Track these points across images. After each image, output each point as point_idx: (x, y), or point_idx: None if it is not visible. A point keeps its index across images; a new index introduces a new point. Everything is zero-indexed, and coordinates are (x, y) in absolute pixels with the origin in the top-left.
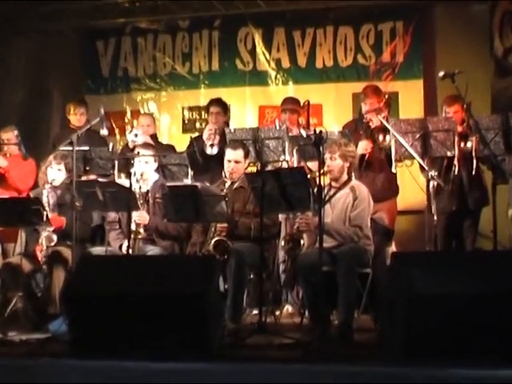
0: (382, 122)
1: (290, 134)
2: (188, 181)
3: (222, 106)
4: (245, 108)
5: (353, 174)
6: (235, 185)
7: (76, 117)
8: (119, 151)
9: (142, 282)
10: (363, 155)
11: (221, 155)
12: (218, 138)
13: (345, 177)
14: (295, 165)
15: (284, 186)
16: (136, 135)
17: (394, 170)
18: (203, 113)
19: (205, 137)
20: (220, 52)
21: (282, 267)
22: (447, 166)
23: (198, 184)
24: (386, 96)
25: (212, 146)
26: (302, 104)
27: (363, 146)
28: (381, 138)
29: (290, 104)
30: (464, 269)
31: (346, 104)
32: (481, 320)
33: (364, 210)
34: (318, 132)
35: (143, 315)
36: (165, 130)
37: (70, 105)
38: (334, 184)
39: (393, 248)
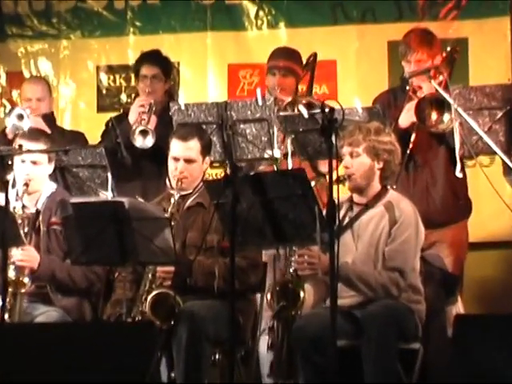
0: (437, 92)
1: (282, 113)
2: (107, 194)
3: (163, 64)
4: (205, 68)
5: (389, 182)
6: (188, 201)
7: None
8: None
9: (25, 369)
10: (404, 144)
11: (161, 149)
12: (154, 119)
13: (375, 186)
14: (290, 166)
15: (271, 203)
16: (19, 116)
17: (459, 173)
18: (132, 77)
19: (132, 118)
20: None
21: (266, 341)
22: None
23: (125, 200)
24: (448, 48)
25: (145, 133)
26: (303, 60)
27: (410, 114)
28: (435, 116)
29: (283, 59)
30: None
31: (377, 61)
32: None
33: (408, 241)
34: (328, 109)
35: None
36: (67, 106)
37: None
38: (357, 198)
39: (459, 308)
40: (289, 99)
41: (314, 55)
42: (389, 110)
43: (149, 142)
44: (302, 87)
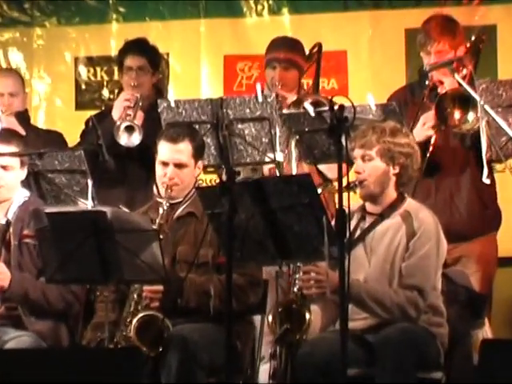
0: (461, 87)
1: (285, 111)
2: (87, 203)
3: (150, 54)
4: (197, 60)
5: (407, 189)
6: (179, 210)
7: None
8: None
9: None
10: (424, 146)
11: (148, 151)
12: (141, 115)
13: (391, 193)
14: (294, 171)
15: (272, 213)
16: None
17: (486, 179)
18: (115, 69)
19: (116, 114)
20: None
21: (268, 369)
22: None
23: (107, 209)
24: (473, 37)
25: (131, 129)
26: (307, 51)
27: (425, 128)
28: (458, 115)
29: (284, 50)
30: None
31: (392, 52)
32: None
33: (428, 256)
34: (338, 107)
35: None
36: (41, 103)
37: None
38: (370, 207)
39: (486, 332)
40: (291, 96)
41: (319, 46)
42: (406, 108)
43: (135, 139)
44: (308, 82)
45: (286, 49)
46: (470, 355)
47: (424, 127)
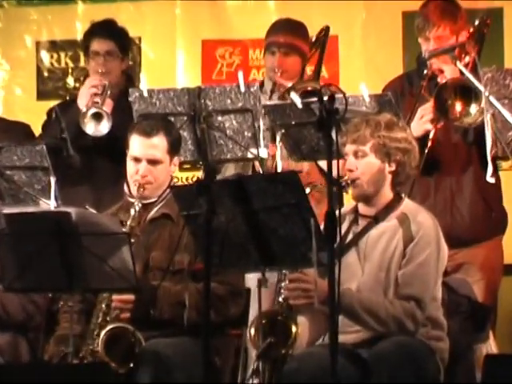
0: (463, 76)
1: (269, 102)
2: (49, 203)
3: (119, 37)
4: (173, 46)
5: (404, 188)
6: (152, 211)
7: None
8: None
9: None
10: (422, 141)
11: (118, 145)
12: (110, 103)
13: (386, 193)
14: (280, 168)
15: (256, 214)
16: None
17: (491, 178)
18: (81, 55)
19: (82, 102)
20: None
21: None
22: None
23: (72, 210)
24: (476, 21)
25: (98, 116)
26: (312, 36)
27: (423, 122)
28: (459, 107)
29: (284, 34)
30: None
31: (388, 37)
32: None
33: (427, 263)
34: (327, 97)
35: None
36: None
37: None
38: (363, 209)
39: (490, 346)
40: (289, 84)
41: (326, 29)
42: (403, 100)
43: (104, 128)
44: (311, 68)
45: (286, 32)
46: (472, 372)
47: (422, 120)
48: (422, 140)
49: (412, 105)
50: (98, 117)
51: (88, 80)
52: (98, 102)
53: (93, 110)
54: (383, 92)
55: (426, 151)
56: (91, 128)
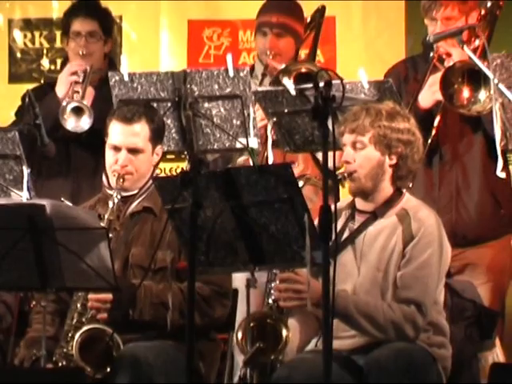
0: (471, 60)
1: (260, 88)
2: (22, 194)
3: (102, 17)
4: (156, 26)
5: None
6: (132, 205)
7: None
8: None
9: None
10: (425, 130)
11: (98, 134)
12: (91, 92)
13: (386, 188)
14: (271, 160)
15: (245, 209)
16: None
17: (500, 173)
18: (57, 35)
19: (61, 90)
20: None
21: None
22: None
23: (46, 203)
24: (488, 2)
25: (79, 111)
26: (307, 17)
27: (433, 91)
28: (467, 93)
29: (277, 13)
30: None
31: (390, 18)
32: None
33: (429, 264)
34: (323, 83)
35: None
36: None
37: None
38: (361, 204)
39: (497, 354)
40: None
41: (322, 8)
42: (406, 86)
43: (84, 123)
44: (305, 52)
45: (279, 11)
46: (477, 382)
47: (432, 88)
48: (426, 129)
49: (416, 91)
50: (78, 111)
51: (68, 66)
52: (78, 92)
53: (73, 105)
54: (385, 77)
55: (430, 141)
56: (71, 123)
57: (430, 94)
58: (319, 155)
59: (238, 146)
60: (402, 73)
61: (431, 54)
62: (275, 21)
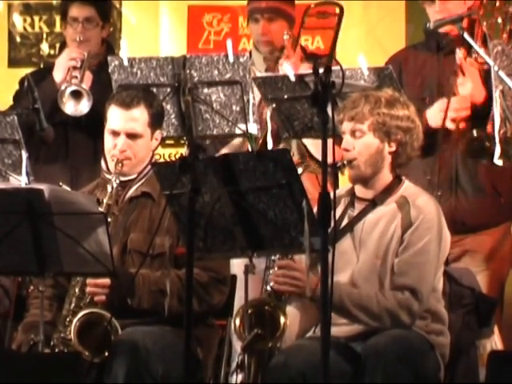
0: (471, 48)
1: (259, 74)
2: (20, 179)
3: (99, 3)
4: (156, 11)
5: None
6: (131, 190)
7: None
8: None
9: None
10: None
11: (96, 119)
12: (89, 77)
13: (385, 176)
14: (270, 146)
15: (243, 195)
16: None
17: (498, 160)
18: (57, 19)
19: (59, 75)
20: None
21: (235, 381)
22: None
23: (44, 187)
24: None
25: (78, 95)
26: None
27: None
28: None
29: None
30: None
31: (391, 4)
32: None
33: (427, 251)
34: (323, 69)
35: None
36: None
37: None
38: (360, 191)
39: (495, 342)
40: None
41: (341, 12)
42: (407, 75)
43: (84, 107)
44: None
45: None
46: (475, 369)
47: (440, 114)
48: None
49: (417, 82)
50: (77, 95)
51: (66, 51)
52: (76, 77)
53: (71, 88)
54: (386, 65)
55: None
56: (70, 107)
57: (437, 118)
58: (311, 148)
59: (238, 131)
60: (402, 60)
61: (440, 45)
62: (264, 5)
